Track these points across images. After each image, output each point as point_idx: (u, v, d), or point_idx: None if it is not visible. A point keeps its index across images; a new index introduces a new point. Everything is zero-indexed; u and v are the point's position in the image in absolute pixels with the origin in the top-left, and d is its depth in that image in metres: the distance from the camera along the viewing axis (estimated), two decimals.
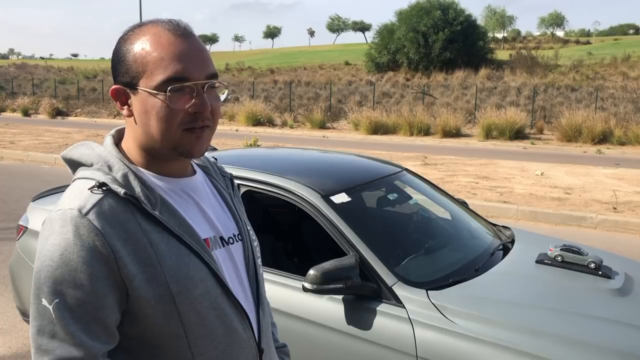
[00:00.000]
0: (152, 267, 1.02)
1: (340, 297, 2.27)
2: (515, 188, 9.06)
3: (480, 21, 48.55)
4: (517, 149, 16.19)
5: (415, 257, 2.59)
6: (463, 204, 3.41)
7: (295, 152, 3.46)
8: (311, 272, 2.15)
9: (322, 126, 21.54)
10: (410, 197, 3.20)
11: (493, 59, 38.84)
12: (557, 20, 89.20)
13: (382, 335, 2.14)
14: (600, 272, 2.54)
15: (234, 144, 14.08)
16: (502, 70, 34.89)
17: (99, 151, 1.11)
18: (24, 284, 3.24)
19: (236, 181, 2.71)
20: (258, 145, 11.29)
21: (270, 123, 22.69)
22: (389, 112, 21.30)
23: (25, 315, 3.35)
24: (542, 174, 10.50)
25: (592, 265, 2.56)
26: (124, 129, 1.16)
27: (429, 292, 2.21)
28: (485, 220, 3.28)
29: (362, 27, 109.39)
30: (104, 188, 1.03)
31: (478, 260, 2.61)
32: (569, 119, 17.34)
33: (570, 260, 2.61)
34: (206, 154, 1.36)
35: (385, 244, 2.62)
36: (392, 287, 2.22)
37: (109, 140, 1.14)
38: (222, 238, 1.17)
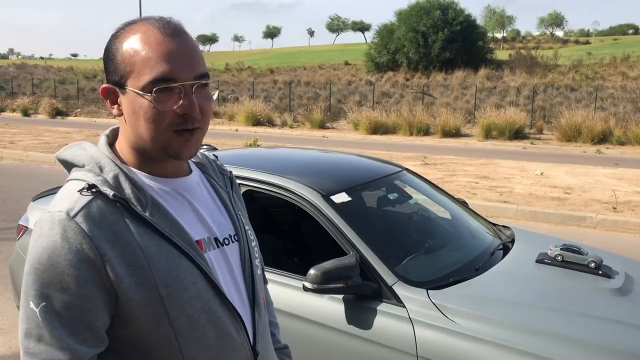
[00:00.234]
0: (141, 269, 1.01)
1: (340, 296, 2.28)
2: (515, 188, 9.07)
3: (480, 21, 48.56)
4: (517, 149, 16.20)
5: (416, 257, 2.59)
6: (463, 204, 3.41)
7: (296, 152, 3.46)
8: (311, 271, 2.15)
9: (322, 126, 21.55)
10: (410, 197, 3.20)
11: (492, 59, 38.83)
12: (556, 20, 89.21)
13: (383, 334, 2.14)
14: (600, 272, 2.54)
15: (234, 143, 14.08)
16: (501, 70, 34.89)
17: (91, 152, 1.10)
18: None
19: (237, 181, 2.71)
20: (258, 145, 11.29)
21: (270, 123, 22.69)
22: (388, 112, 21.31)
23: None
24: (541, 174, 10.51)
25: (592, 265, 2.56)
26: (119, 128, 1.15)
27: (429, 291, 2.21)
28: (485, 220, 3.28)
29: (362, 27, 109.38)
30: (94, 190, 1.02)
31: (478, 260, 2.61)
32: (569, 119, 17.36)
33: (571, 260, 2.61)
34: (207, 153, 1.36)
35: (386, 243, 2.62)
36: (393, 287, 2.22)
37: (102, 140, 1.13)
38: (216, 239, 1.15)
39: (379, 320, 2.17)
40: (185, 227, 1.09)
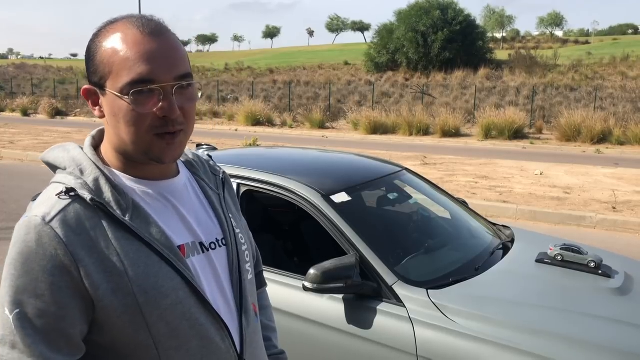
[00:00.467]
0: (118, 276, 0.98)
1: (340, 296, 2.28)
2: (515, 188, 9.07)
3: (480, 21, 48.50)
4: (517, 149, 16.21)
5: (416, 257, 2.59)
6: (463, 204, 3.41)
7: (295, 152, 3.46)
8: (311, 271, 2.16)
9: (322, 126, 21.55)
10: (410, 197, 3.20)
11: (492, 59, 38.82)
12: (556, 20, 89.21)
13: (383, 334, 2.14)
14: (600, 271, 2.54)
15: (234, 143, 14.08)
16: (501, 70, 34.89)
17: (73, 154, 1.07)
18: None
19: (236, 181, 2.71)
20: (258, 145, 11.29)
21: (270, 123, 22.69)
22: (388, 112, 21.31)
23: None
24: (541, 174, 10.51)
25: (592, 265, 2.57)
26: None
27: (429, 291, 2.21)
28: (485, 220, 3.28)
29: (362, 27, 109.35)
30: (72, 194, 0.99)
31: (478, 260, 2.61)
32: (568, 119, 17.37)
33: (570, 260, 2.61)
34: (200, 152, 1.32)
35: (386, 243, 2.62)
36: (393, 287, 2.22)
37: (87, 142, 1.10)
38: (201, 244, 1.11)
39: (379, 320, 2.17)
40: (168, 231, 1.05)
